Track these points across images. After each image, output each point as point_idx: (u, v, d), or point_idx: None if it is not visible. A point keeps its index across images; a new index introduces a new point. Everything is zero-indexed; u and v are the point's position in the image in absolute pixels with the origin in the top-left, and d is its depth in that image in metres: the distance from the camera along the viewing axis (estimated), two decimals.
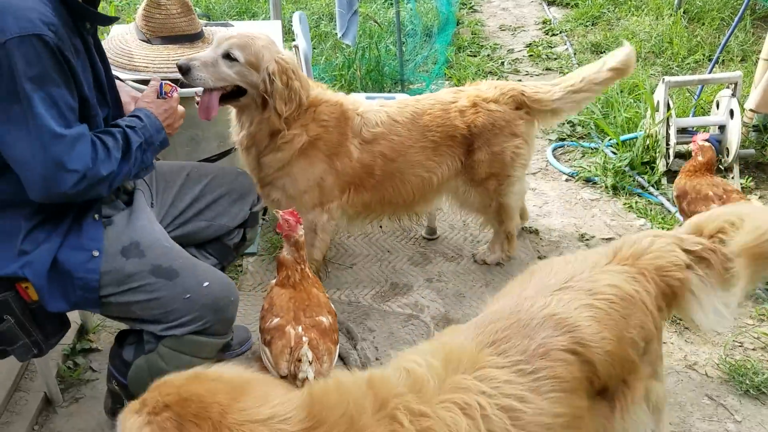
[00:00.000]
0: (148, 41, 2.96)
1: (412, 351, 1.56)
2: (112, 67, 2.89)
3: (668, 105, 3.84)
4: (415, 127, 2.81)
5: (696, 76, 4.19)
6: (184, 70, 2.51)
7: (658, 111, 3.92)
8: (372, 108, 2.83)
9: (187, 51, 2.94)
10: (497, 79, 5.30)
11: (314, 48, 5.16)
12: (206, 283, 1.99)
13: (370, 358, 2.60)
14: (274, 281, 2.28)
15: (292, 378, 2.05)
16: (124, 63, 2.90)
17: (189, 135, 2.94)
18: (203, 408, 1.26)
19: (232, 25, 3.27)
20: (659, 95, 3.90)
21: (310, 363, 2.03)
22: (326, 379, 1.51)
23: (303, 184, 2.76)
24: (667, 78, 3.84)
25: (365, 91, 4.54)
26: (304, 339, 2.06)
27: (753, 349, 2.72)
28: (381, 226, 3.30)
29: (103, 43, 3.06)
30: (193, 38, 3.00)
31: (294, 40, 3.32)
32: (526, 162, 3.01)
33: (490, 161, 2.88)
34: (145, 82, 2.88)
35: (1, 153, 1.77)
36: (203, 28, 3.07)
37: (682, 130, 3.93)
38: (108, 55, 2.92)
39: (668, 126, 3.81)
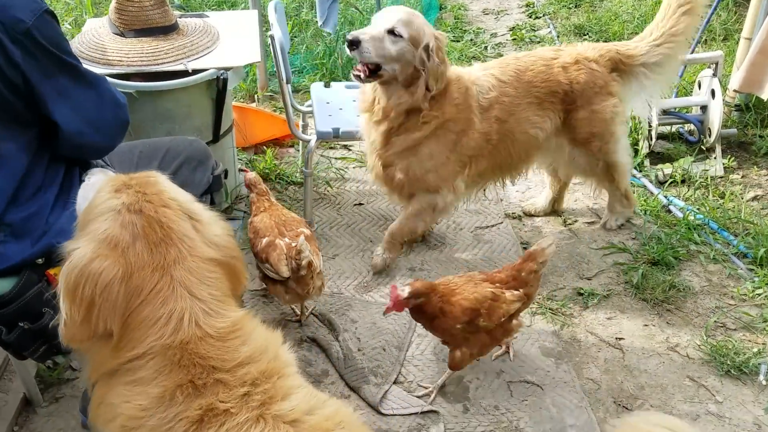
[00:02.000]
0: (121, 34, 2.92)
1: None
2: (85, 62, 2.87)
3: None
4: (521, 84, 2.82)
5: None
6: (354, 42, 2.57)
7: None
8: (480, 73, 2.84)
9: (161, 43, 2.90)
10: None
11: (295, 36, 5.11)
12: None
13: (353, 349, 2.59)
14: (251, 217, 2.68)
15: (294, 275, 2.44)
16: (97, 57, 2.86)
17: (165, 129, 2.91)
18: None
19: (207, 16, 3.23)
20: None
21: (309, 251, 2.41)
22: None
23: (429, 164, 2.79)
24: None
25: (347, 80, 4.49)
26: (300, 239, 2.43)
27: (734, 329, 2.73)
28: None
29: (76, 37, 3.03)
30: (167, 30, 2.96)
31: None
32: (625, 121, 3.08)
33: (590, 120, 2.91)
34: (119, 76, 2.86)
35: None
36: (178, 19, 3.03)
37: (664, 111, 3.92)
38: (81, 49, 2.91)
39: (649, 107, 3.79)
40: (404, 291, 2.19)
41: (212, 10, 5.18)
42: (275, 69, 3.02)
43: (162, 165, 2.30)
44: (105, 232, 1.30)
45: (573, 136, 2.97)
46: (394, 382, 2.47)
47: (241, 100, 4.53)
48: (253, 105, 4.41)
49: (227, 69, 2.92)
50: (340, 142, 4.00)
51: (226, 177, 2.60)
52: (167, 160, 2.32)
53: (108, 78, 2.81)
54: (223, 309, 1.35)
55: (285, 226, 2.60)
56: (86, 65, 2.85)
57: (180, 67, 2.85)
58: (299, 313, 2.76)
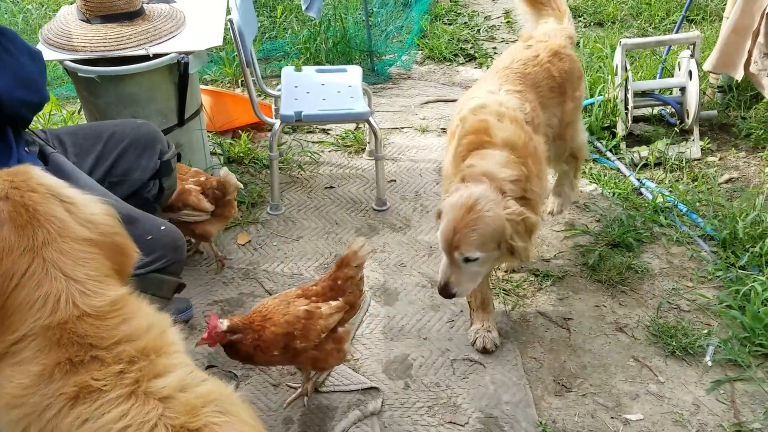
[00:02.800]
0: (87, 21, 2.99)
1: None
2: (51, 48, 2.96)
3: (626, 68, 3.79)
4: (532, 87, 2.67)
5: (653, 38, 4.12)
6: (448, 293, 2.30)
7: (617, 75, 3.88)
8: (504, 98, 2.52)
9: (124, 29, 2.96)
10: (471, 47, 5.29)
11: (281, 20, 5.15)
12: (163, 227, 2.20)
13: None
14: None
15: (220, 203, 2.84)
16: (63, 43, 2.93)
17: (129, 113, 2.97)
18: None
19: (174, 1, 3.28)
20: (617, 58, 3.85)
21: None
22: None
23: None
24: (623, 40, 3.80)
25: (332, 64, 4.53)
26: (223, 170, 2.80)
27: (688, 311, 2.73)
28: None
29: (46, 24, 3.11)
30: (132, 16, 3.02)
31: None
32: None
33: (574, 108, 2.87)
34: (83, 61, 2.94)
35: None
36: (143, 5, 3.09)
37: (641, 93, 3.89)
38: (49, 35, 2.99)
39: (626, 89, 3.77)
40: (223, 324, 2.05)
41: None
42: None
43: (105, 148, 2.36)
44: None
45: (557, 130, 2.83)
46: None
47: (228, 85, 4.60)
48: (238, 90, 4.47)
49: (188, 53, 2.97)
50: (320, 127, 4.05)
51: (179, 160, 2.66)
52: (111, 144, 2.37)
53: (71, 63, 2.92)
54: (102, 288, 1.40)
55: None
56: (52, 51, 2.96)
57: (141, 52, 2.92)
58: (219, 254, 3.01)
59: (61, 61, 2.97)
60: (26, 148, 2.10)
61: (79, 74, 2.91)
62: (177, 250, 2.20)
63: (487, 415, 2.32)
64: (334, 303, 2.18)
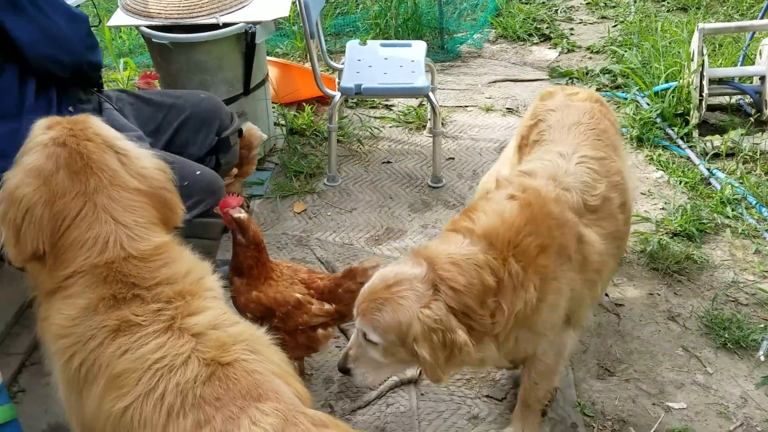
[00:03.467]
0: None
1: None
2: (129, 14, 3.10)
3: (702, 54, 3.63)
4: (611, 149, 2.14)
5: (734, 23, 3.94)
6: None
7: (693, 60, 3.72)
8: (570, 167, 1.98)
9: None
10: (546, 27, 5.18)
11: None
12: (198, 172, 2.25)
13: None
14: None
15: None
16: (139, 10, 3.07)
17: (198, 80, 3.09)
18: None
19: None
20: (694, 44, 3.70)
21: None
22: None
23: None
24: (701, 25, 3.64)
25: (399, 39, 4.54)
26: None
27: (746, 305, 2.62)
28: None
29: None
30: None
31: None
32: None
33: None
34: (158, 28, 3.07)
35: None
36: None
37: (718, 81, 3.73)
38: (127, 2, 3.12)
39: (702, 76, 3.62)
40: (240, 214, 2.05)
41: None
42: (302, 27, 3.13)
43: (165, 119, 2.44)
44: (31, 163, 1.48)
45: None
46: None
47: (298, 59, 4.69)
48: (306, 64, 4.55)
49: (256, 23, 3.06)
50: (383, 102, 4.08)
51: (240, 136, 2.71)
52: (171, 115, 2.45)
53: (147, 29, 3.05)
54: (148, 234, 1.50)
55: None
56: (129, 17, 3.10)
57: (212, 21, 3.02)
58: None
59: (137, 27, 3.12)
60: (70, 107, 2.19)
61: (153, 40, 3.05)
62: (215, 193, 2.25)
63: None
64: (326, 306, 2.13)
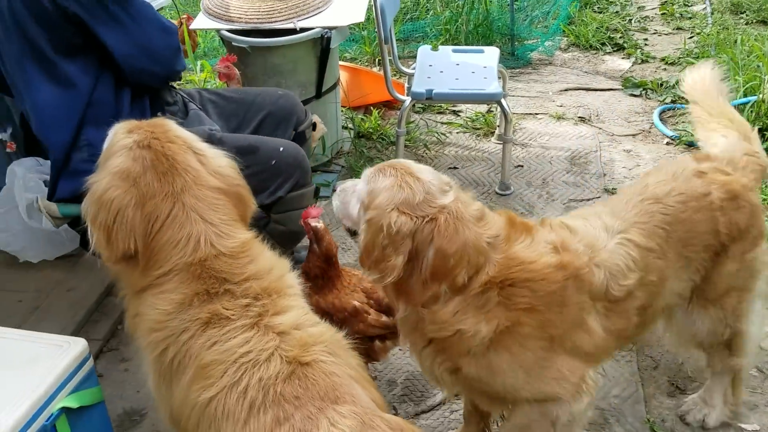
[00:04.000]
0: None
1: None
2: (210, 18, 3.20)
3: None
4: (672, 245, 1.84)
5: None
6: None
7: None
8: (610, 243, 1.75)
9: (277, 3, 3.14)
10: (620, 37, 5.08)
11: (425, 1, 5.21)
12: (281, 148, 2.37)
13: None
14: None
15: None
16: (221, 14, 3.16)
17: (274, 82, 3.17)
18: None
19: None
20: None
21: None
22: None
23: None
24: None
25: (469, 45, 4.54)
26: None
27: None
28: None
29: None
30: None
31: None
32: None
33: (738, 271, 1.97)
34: (238, 32, 3.16)
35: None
36: None
37: None
38: (209, 5, 3.23)
39: None
40: (318, 223, 2.06)
41: None
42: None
43: (247, 115, 2.55)
44: (118, 165, 1.53)
45: (705, 294, 1.99)
46: None
47: (366, 64, 4.74)
48: (375, 69, 4.60)
49: (332, 28, 3.11)
50: (451, 107, 4.09)
51: (314, 129, 2.79)
52: (252, 111, 2.56)
53: (227, 32, 3.15)
54: (233, 231, 1.55)
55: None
56: (210, 20, 3.20)
57: (290, 26, 3.09)
58: None
59: (218, 30, 3.22)
60: (159, 112, 2.29)
61: (233, 43, 3.14)
62: (299, 166, 2.37)
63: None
64: (384, 318, 2.06)
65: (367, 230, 1.61)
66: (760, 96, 3.68)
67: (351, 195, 1.72)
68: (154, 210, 1.50)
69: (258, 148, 2.32)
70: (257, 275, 1.51)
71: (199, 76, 4.08)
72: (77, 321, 2.56)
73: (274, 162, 2.31)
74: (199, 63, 4.20)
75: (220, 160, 1.66)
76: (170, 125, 1.65)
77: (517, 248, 1.64)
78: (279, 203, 2.36)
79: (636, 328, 1.86)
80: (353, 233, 1.75)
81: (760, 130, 3.59)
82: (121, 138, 1.58)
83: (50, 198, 2.27)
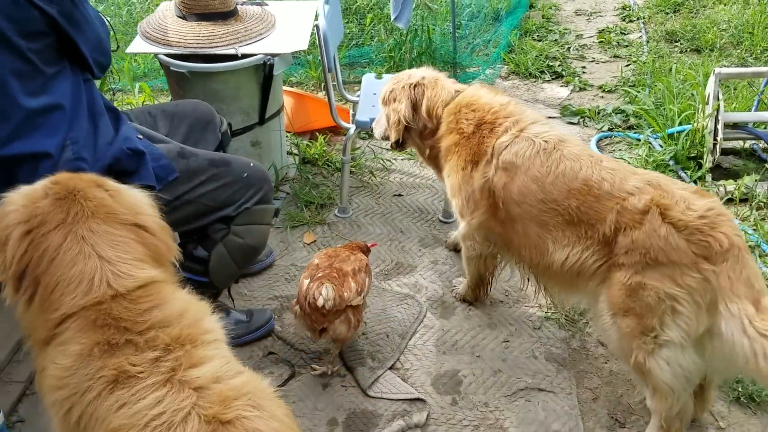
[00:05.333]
0: (183, 17, 3.13)
1: None
2: (148, 42, 3.11)
3: (718, 98, 3.64)
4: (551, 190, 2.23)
5: (750, 69, 3.93)
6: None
7: (708, 104, 3.72)
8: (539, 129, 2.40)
9: (218, 28, 3.09)
10: (559, 65, 5.19)
11: (369, 28, 5.22)
12: (251, 163, 2.48)
13: (357, 332, 2.68)
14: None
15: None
16: (158, 37, 3.08)
17: (215, 108, 3.07)
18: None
19: (267, 4, 3.39)
20: (710, 87, 3.70)
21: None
22: None
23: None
24: (718, 69, 3.64)
25: None
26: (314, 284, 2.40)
27: None
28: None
29: (145, 19, 3.29)
30: (226, 16, 3.14)
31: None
32: (690, 328, 1.98)
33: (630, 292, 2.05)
34: (176, 56, 3.08)
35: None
36: (237, 6, 3.21)
37: (732, 126, 3.72)
38: (147, 29, 3.15)
39: (716, 120, 3.62)
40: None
41: None
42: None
43: (172, 125, 2.58)
44: (29, 188, 1.52)
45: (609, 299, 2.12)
46: (390, 368, 2.54)
47: (312, 88, 4.71)
48: (321, 94, 4.57)
49: (274, 55, 3.07)
50: None
51: (231, 131, 2.85)
52: (176, 121, 2.59)
53: (165, 57, 3.07)
54: (134, 271, 1.45)
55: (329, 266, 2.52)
56: (148, 44, 3.12)
57: (231, 51, 3.03)
58: None
59: (155, 54, 3.13)
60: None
61: (171, 68, 3.06)
62: (267, 181, 2.50)
63: None
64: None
65: (384, 107, 2.75)
66: (694, 125, 3.80)
67: (380, 118, 2.81)
68: (44, 240, 1.41)
69: (230, 161, 2.42)
70: (164, 322, 1.40)
71: (138, 98, 3.97)
72: None
73: (246, 175, 2.40)
74: (137, 85, 4.09)
75: (136, 196, 1.59)
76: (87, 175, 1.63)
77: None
78: (243, 214, 2.41)
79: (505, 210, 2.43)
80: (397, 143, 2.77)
81: (693, 159, 3.77)
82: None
83: None
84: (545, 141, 2.30)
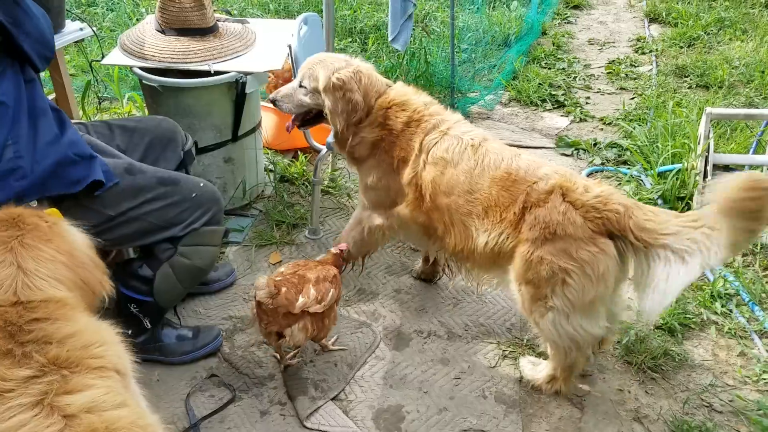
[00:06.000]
0: (162, 32, 3.14)
1: None
2: (124, 54, 3.12)
3: (708, 138, 3.52)
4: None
5: (742, 110, 3.82)
6: (273, 102, 2.76)
7: (700, 144, 3.61)
8: (460, 128, 2.56)
9: (194, 44, 3.08)
10: (562, 94, 5.11)
11: (372, 49, 5.21)
12: (201, 183, 2.45)
13: (305, 359, 2.62)
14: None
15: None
16: (135, 51, 3.09)
17: (186, 123, 3.09)
18: None
19: (248, 22, 3.38)
20: (702, 127, 3.59)
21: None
22: None
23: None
24: (708, 109, 3.54)
25: None
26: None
27: (720, 412, 2.46)
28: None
29: (127, 30, 3.30)
30: (205, 32, 3.14)
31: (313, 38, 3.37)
32: (576, 297, 2.22)
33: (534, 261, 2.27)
34: (152, 70, 3.09)
35: None
36: (217, 23, 3.21)
37: (724, 167, 3.60)
38: (125, 41, 3.16)
39: (706, 161, 3.50)
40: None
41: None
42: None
43: (131, 141, 2.55)
44: None
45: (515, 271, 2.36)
46: (333, 399, 2.47)
47: None
48: None
49: (247, 73, 3.05)
50: None
51: (197, 149, 2.84)
52: (136, 138, 2.57)
53: (139, 70, 3.07)
54: (45, 286, 1.46)
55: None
56: (124, 56, 3.13)
57: (204, 68, 3.03)
58: None
59: (130, 67, 3.14)
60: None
61: (144, 81, 3.06)
62: (218, 201, 2.46)
63: None
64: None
65: (328, 94, 2.58)
66: (686, 164, 3.69)
67: (294, 94, 2.71)
68: None
69: (179, 180, 2.39)
70: (51, 338, 1.37)
71: (125, 109, 3.99)
72: None
73: (194, 195, 2.38)
74: (126, 95, 4.12)
75: (74, 230, 1.62)
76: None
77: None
78: (191, 235, 2.38)
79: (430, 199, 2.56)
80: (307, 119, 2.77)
81: (683, 198, 3.65)
82: None
83: None
84: (472, 138, 2.49)
